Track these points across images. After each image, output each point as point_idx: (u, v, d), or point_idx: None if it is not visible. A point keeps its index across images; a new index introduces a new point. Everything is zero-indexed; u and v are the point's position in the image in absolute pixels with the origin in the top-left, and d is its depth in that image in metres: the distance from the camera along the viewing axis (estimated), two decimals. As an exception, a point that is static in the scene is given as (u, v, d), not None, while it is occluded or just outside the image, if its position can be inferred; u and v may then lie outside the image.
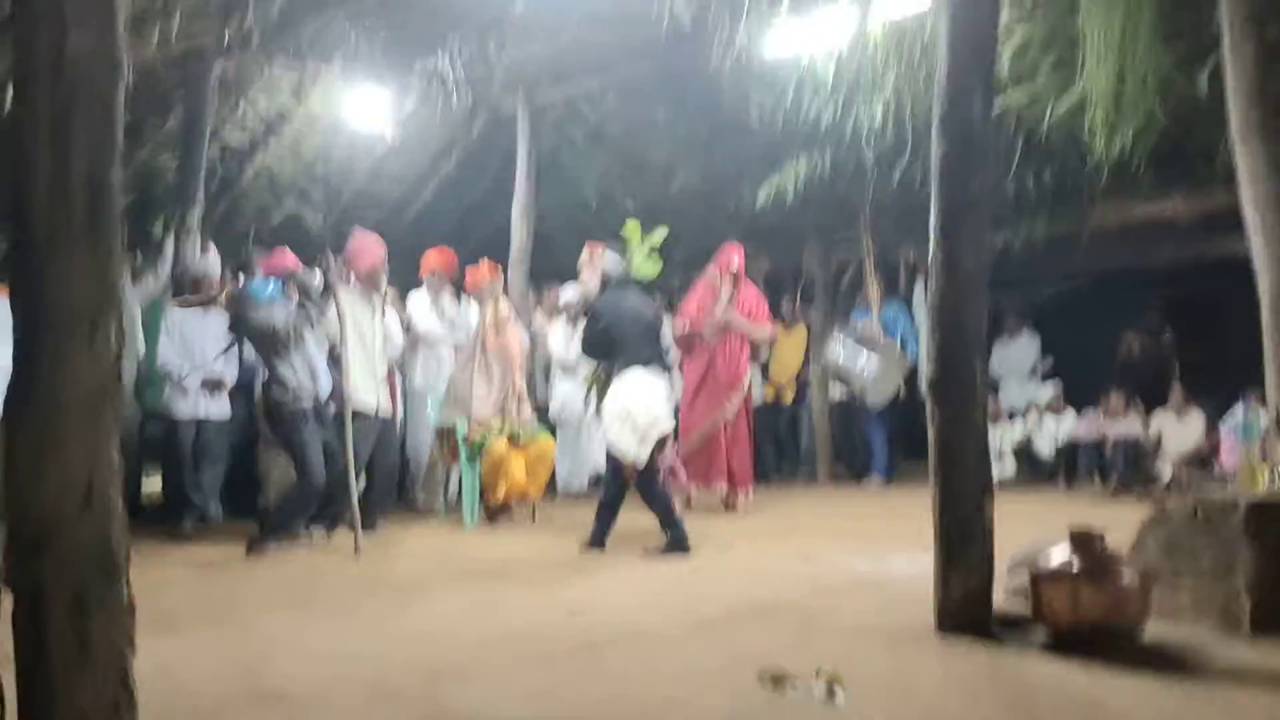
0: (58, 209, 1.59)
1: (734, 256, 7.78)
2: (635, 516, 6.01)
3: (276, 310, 6.16)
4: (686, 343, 7.82)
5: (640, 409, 5.73)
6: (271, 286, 6.31)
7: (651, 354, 5.97)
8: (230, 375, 7.37)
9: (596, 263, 6.25)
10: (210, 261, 7.82)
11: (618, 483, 5.89)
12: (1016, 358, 10.06)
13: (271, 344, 6.14)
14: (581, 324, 6.31)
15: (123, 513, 1.66)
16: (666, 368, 6.15)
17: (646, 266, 6.24)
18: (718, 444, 7.60)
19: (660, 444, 5.79)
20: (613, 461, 5.89)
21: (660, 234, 6.32)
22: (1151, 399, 9.00)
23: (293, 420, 6.10)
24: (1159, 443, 8.52)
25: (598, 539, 5.88)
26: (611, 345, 5.95)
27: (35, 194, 1.59)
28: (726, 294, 7.71)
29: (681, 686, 3.13)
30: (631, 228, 6.31)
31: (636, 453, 5.72)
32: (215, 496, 7.38)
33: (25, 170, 1.60)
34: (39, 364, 1.59)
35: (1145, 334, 9.98)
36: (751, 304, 7.76)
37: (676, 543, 5.74)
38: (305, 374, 6.19)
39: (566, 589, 4.89)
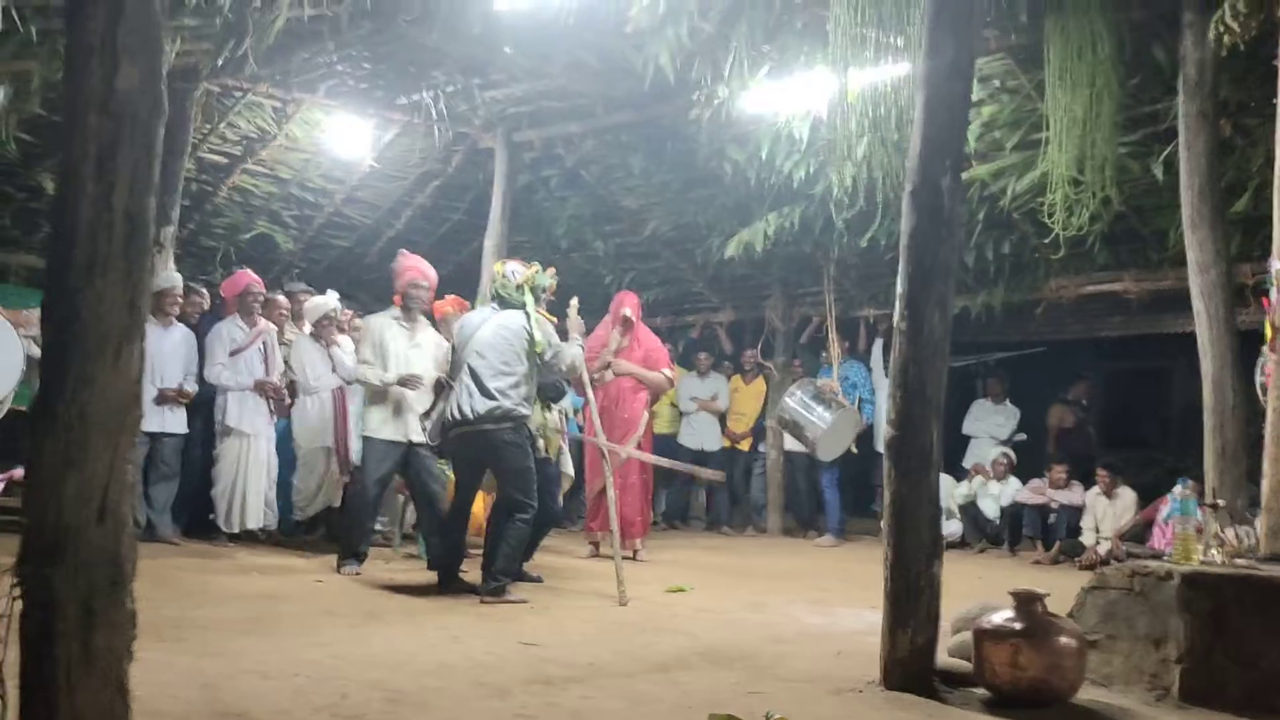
0: (99, 237, 1.68)
1: (625, 303, 7.81)
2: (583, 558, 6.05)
3: None
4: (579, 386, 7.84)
5: None
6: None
7: None
8: (191, 389, 7.39)
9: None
10: (173, 276, 7.80)
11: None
12: (992, 422, 10.19)
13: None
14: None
15: (132, 527, 1.74)
16: None
17: None
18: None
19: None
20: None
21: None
22: (1082, 470, 9.16)
23: None
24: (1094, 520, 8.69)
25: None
26: None
27: (78, 222, 1.69)
28: (615, 340, 7.68)
29: (636, 725, 3.22)
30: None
31: None
32: (167, 513, 7.33)
33: (70, 199, 1.70)
34: (65, 381, 1.67)
35: (1071, 406, 10.14)
36: (650, 349, 7.71)
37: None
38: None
39: (522, 624, 4.96)
